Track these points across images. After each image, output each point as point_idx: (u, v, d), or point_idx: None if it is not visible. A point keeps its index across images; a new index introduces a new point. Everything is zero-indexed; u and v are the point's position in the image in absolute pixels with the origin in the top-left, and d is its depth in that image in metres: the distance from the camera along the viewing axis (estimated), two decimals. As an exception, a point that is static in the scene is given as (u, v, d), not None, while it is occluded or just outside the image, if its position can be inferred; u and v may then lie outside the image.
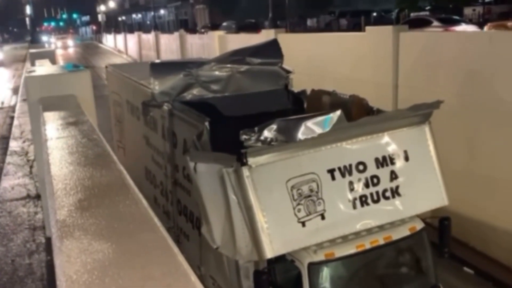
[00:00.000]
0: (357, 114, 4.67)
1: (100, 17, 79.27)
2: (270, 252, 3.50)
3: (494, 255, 6.65)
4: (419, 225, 4.09)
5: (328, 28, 36.63)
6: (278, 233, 3.53)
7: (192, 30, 38.73)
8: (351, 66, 9.26)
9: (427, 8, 35.25)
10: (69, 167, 2.64)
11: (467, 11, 32.08)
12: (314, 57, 10.40)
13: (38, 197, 7.24)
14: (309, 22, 42.20)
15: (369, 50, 8.77)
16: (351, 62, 9.31)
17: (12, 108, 16.54)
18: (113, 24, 72.34)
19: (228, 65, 5.61)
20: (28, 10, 38.43)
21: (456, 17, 26.10)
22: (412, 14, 31.39)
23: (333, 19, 39.29)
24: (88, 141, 3.17)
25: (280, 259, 3.68)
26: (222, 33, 18.57)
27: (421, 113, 4.13)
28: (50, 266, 5.25)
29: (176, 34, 24.78)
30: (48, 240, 5.81)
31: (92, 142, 3.13)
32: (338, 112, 4.22)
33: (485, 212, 6.76)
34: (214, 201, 3.80)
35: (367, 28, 9.71)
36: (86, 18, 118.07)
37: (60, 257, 1.62)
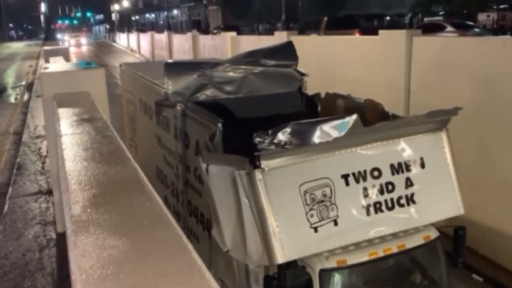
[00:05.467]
0: (372, 119, 4.58)
1: (113, 16, 79.77)
2: (281, 257, 3.42)
3: (504, 263, 6.60)
4: (433, 234, 3.99)
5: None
6: (290, 238, 3.47)
7: (205, 30, 38.84)
8: (364, 70, 9.22)
9: (441, 13, 35.09)
10: (84, 163, 2.67)
11: (481, 17, 31.87)
12: (326, 59, 10.38)
13: (49, 192, 7.31)
14: (321, 24, 42.06)
15: (381, 54, 8.74)
16: (363, 66, 9.27)
17: (26, 104, 16.69)
18: (126, 23, 72.75)
19: (242, 66, 5.56)
20: (43, 7, 38.79)
21: (470, 23, 25.95)
22: (425, 19, 31.25)
23: (346, 22, 39.15)
24: (103, 137, 3.20)
25: (291, 265, 3.60)
26: (234, 34, 18.59)
27: (439, 120, 4.04)
28: (60, 262, 5.30)
29: (188, 34, 24.86)
30: (59, 236, 5.86)
31: (107, 139, 3.16)
32: (354, 116, 4.12)
33: (495, 220, 6.71)
34: (226, 204, 3.74)
35: (380, 32, 9.66)
36: (100, 16, 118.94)
37: (75, 252, 1.63)
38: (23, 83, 24.08)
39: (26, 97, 18.81)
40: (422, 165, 3.96)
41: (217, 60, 6.25)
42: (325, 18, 25.26)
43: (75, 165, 2.63)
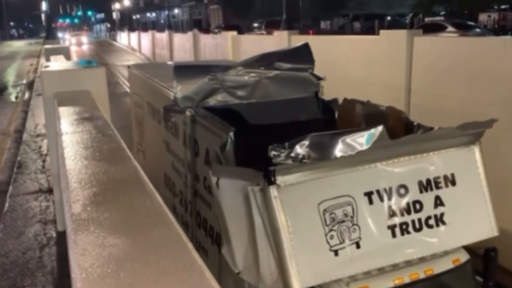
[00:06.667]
0: (394, 128, 4.24)
1: (114, 15, 79.86)
2: (297, 283, 3.10)
3: (507, 265, 6.58)
4: (463, 257, 3.66)
5: (341, 31, 36.58)
6: (308, 262, 3.16)
7: (206, 30, 38.89)
8: (365, 70, 9.22)
9: (442, 13, 35.12)
10: (84, 161, 2.66)
11: (482, 17, 31.90)
12: (327, 59, 10.36)
13: (50, 191, 7.31)
14: (322, 24, 42.18)
15: (382, 54, 8.74)
16: (364, 66, 9.27)
17: (27, 103, 16.69)
18: (127, 22, 72.79)
19: (256, 70, 5.24)
20: (44, 6, 38.86)
21: (471, 23, 25.97)
22: (426, 19, 31.27)
23: (347, 22, 39.24)
24: (103, 136, 3.19)
25: None
26: (235, 33, 18.57)
27: (472, 133, 3.73)
28: (60, 260, 5.30)
29: (189, 33, 24.84)
30: (59, 234, 5.87)
31: (107, 137, 3.15)
32: (380, 128, 3.76)
33: (500, 221, 6.69)
34: (237, 221, 3.46)
35: (381, 31, 9.66)
36: (100, 15, 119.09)
37: (75, 250, 1.63)
38: (24, 81, 24.08)
39: (27, 95, 18.80)
40: (453, 182, 3.65)
41: (229, 63, 5.98)
42: (264, 21, 35.34)
43: (75, 163, 2.63)
